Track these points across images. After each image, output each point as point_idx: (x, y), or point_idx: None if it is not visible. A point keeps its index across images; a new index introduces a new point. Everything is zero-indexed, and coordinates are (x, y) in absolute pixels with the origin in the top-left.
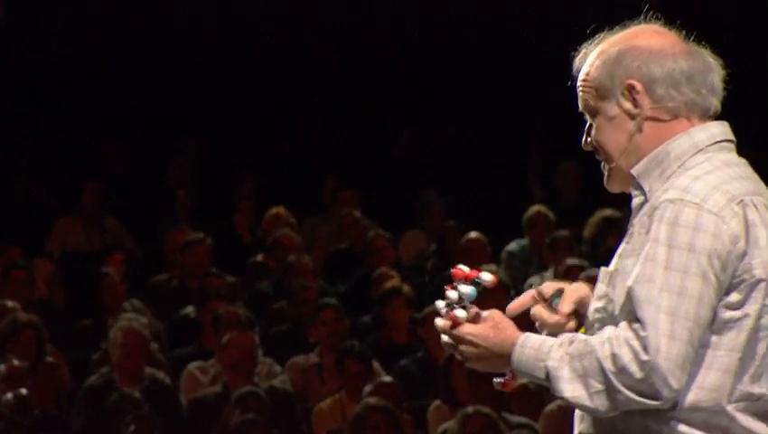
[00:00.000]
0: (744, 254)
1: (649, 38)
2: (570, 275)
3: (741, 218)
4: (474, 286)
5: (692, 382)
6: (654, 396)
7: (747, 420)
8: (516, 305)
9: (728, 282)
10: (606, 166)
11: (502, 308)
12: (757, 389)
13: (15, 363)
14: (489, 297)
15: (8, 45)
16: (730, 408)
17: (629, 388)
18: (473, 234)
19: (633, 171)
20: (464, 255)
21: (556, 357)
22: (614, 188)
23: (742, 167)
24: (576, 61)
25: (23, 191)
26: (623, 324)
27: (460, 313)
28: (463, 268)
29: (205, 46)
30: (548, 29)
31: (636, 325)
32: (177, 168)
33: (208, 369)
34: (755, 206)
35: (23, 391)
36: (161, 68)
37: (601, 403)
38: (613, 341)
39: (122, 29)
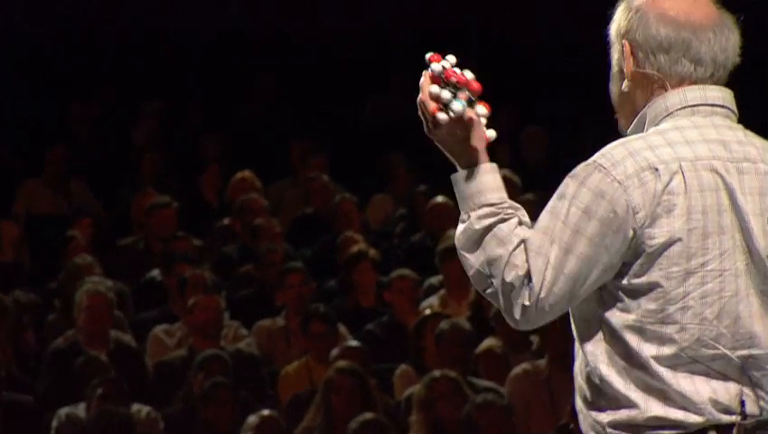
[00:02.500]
0: (644, 224)
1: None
2: None
3: (649, 187)
4: (469, 104)
5: (619, 346)
6: (515, 321)
7: (683, 384)
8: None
9: (626, 249)
10: None
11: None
12: (708, 351)
13: None
14: (453, 261)
15: None
16: (660, 372)
17: (505, 300)
18: (440, 198)
19: (628, 132)
20: (432, 219)
21: (483, 220)
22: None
23: (708, 129)
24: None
25: None
26: (528, 254)
27: (441, 116)
28: (456, 72)
29: (172, 11)
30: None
31: (531, 268)
32: (143, 131)
33: (174, 332)
34: (682, 172)
35: None
36: (127, 30)
37: (476, 282)
38: (520, 257)
39: None
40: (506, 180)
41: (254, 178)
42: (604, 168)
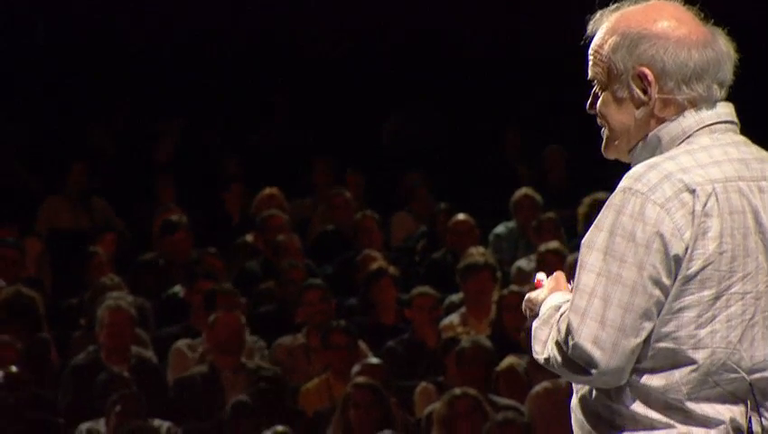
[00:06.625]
0: (689, 246)
1: (668, 23)
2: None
3: (689, 209)
4: None
5: (646, 366)
6: (581, 373)
7: (705, 407)
8: None
9: (674, 273)
10: (606, 133)
11: (487, 287)
12: (729, 375)
13: (5, 339)
14: (474, 278)
15: None
16: (685, 392)
17: (562, 359)
18: (461, 216)
19: (632, 157)
20: (453, 236)
21: (541, 320)
22: (611, 155)
23: (730, 148)
24: (591, 26)
25: (11, 173)
26: (574, 295)
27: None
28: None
29: (192, 30)
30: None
31: (575, 306)
32: (163, 148)
33: (197, 346)
34: (716, 195)
35: (14, 368)
36: (147, 48)
37: (549, 365)
38: (563, 316)
39: (108, 12)
40: (527, 198)
41: (280, 195)
42: (642, 193)
